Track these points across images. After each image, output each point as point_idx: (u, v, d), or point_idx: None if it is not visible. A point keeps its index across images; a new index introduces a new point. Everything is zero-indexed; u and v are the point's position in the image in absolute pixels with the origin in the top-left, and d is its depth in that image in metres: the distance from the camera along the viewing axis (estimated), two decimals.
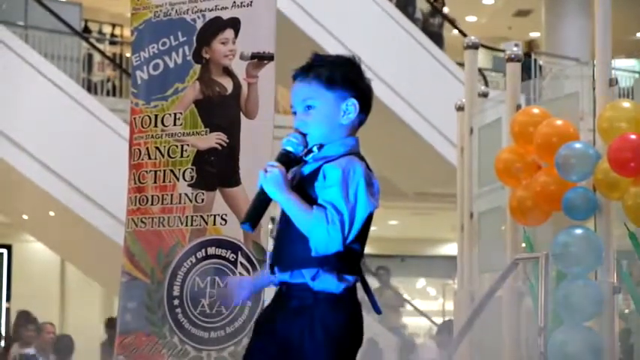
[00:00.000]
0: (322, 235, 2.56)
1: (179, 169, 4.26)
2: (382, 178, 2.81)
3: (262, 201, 2.65)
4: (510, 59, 5.19)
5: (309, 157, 2.70)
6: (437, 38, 12.56)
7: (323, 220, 2.55)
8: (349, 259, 2.65)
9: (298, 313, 2.63)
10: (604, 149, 4.24)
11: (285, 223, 2.66)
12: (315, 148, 2.69)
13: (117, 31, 15.04)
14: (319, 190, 2.62)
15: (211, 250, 4.15)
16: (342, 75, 2.71)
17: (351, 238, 2.60)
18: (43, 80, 10.18)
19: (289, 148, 2.67)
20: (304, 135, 2.69)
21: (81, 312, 14.50)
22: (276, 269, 2.70)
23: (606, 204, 4.33)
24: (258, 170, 2.66)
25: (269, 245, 2.79)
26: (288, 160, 2.67)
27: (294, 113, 2.73)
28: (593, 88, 4.53)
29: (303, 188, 2.65)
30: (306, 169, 2.69)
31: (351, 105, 2.71)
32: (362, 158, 2.68)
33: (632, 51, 18.31)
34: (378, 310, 2.77)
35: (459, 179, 5.82)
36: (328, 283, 2.63)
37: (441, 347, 8.93)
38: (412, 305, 16.92)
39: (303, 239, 2.60)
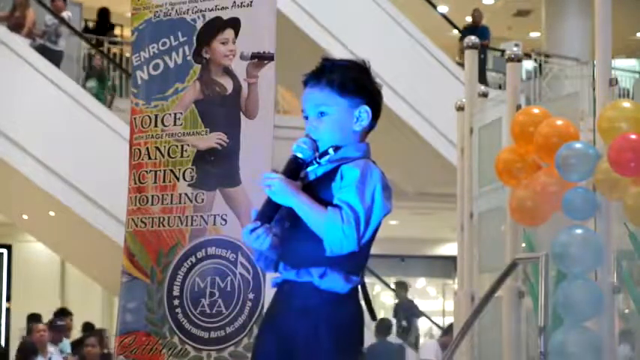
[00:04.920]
0: (337, 234, 2.55)
1: (179, 169, 4.26)
2: None
3: (273, 204, 2.65)
4: (510, 59, 5.19)
5: (323, 160, 2.70)
6: None
7: (338, 220, 2.54)
8: (358, 259, 2.65)
9: (303, 313, 2.63)
10: (604, 149, 4.24)
11: (292, 221, 2.65)
12: (330, 150, 2.69)
13: (117, 31, 15.04)
14: (336, 190, 2.62)
15: (211, 250, 4.15)
16: (355, 81, 2.71)
17: (366, 238, 2.59)
18: (43, 80, 10.18)
19: (299, 154, 2.67)
20: (314, 140, 2.69)
21: (81, 312, 14.49)
22: (281, 266, 2.70)
23: (606, 204, 4.33)
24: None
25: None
26: (297, 165, 2.67)
27: (306, 118, 2.73)
28: (593, 88, 4.52)
29: (317, 189, 2.65)
30: (321, 171, 2.69)
31: (364, 112, 2.72)
32: (374, 163, 2.69)
33: (632, 51, 18.33)
34: (373, 317, 2.77)
35: (459, 179, 5.82)
36: (335, 282, 2.63)
37: (444, 347, 8.92)
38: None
39: (312, 238, 2.59)
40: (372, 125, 2.75)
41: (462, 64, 13.36)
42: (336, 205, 2.58)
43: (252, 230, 2.65)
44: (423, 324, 17.02)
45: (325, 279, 2.62)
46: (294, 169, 2.66)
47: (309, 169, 2.70)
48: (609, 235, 4.34)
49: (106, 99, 11.95)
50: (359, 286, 2.69)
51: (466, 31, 14.20)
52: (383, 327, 9.97)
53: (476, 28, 14.35)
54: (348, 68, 2.74)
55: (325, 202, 2.60)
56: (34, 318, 10.87)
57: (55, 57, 11.12)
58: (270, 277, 2.79)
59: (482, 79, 13.10)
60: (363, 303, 2.71)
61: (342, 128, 2.70)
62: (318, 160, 2.69)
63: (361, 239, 2.57)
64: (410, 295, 15.53)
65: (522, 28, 18.74)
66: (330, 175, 2.66)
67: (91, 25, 14.73)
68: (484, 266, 5.55)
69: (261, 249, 2.68)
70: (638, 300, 4.38)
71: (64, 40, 11.76)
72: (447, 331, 9.17)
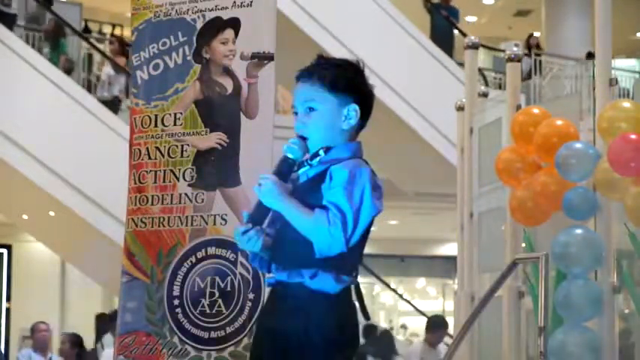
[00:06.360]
0: (324, 236, 2.55)
1: (179, 169, 4.26)
2: (382, 179, 2.81)
3: (264, 206, 2.66)
4: (510, 59, 5.19)
5: (315, 161, 2.70)
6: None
7: (324, 222, 2.55)
8: (349, 260, 2.65)
9: (294, 313, 2.64)
10: (604, 149, 4.24)
11: (283, 223, 2.66)
12: (321, 152, 2.69)
13: (117, 31, 15.05)
14: (325, 191, 2.62)
15: (211, 250, 4.15)
16: (346, 79, 2.71)
17: (354, 239, 2.60)
18: (43, 80, 10.18)
19: (290, 155, 2.68)
20: (304, 139, 2.69)
21: (81, 312, 14.49)
22: (272, 267, 2.71)
23: (606, 204, 4.33)
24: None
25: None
26: (288, 165, 2.68)
27: (296, 114, 2.74)
28: (593, 88, 4.52)
29: (308, 191, 2.65)
30: (312, 172, 2.70)
31: (353, 110, 2.71)
32: (366, 162, 2.69)
33: (632, 51, 18.34)
34: (367, 316, 2.77)
35: (459, 179, 5.82)
36: (326, 283, 2.63)
37: (432, 345, 8.86)
38: (412, 305, 16.93)
39: (302, 239, 2.59)
40: (361, 125, 2.75)
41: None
42: (324, 207, 2.58)
43: (244, 232, 2.66)
44: (419, 323, 17.03)
45: (316, 279, 2.63)
46: (285, 170, 2.67)
47: (300, 170, 2.71)
48: (609, 235, 4.34)
49: (60, 63, 11.67)
50: (351, 286, 2.69)
51: (434, 5, 13.77)
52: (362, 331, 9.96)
53: (445, 7, 13.94)
54: (342, 67, 2.75)
55: (315, 204, 2.61)
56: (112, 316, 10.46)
57: (8, 20, 10.94)
58: (268, 277, 2.80)
59: (449, 46, 12.85)
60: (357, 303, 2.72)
61: (330, 125, 2.70)
62: (309, 161, 2.70)
63: (349, 240, 2.58)
64: (410, 296, 15.47)
65: (522, 28, 18.72)
66: (320, 177, 2.66)
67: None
68: (484, 266, 5.55)
69: (253, 250, 2.69)
70: (638, 300, 4.38)
71: (16, 3, 11.59)
72: (429, 327, 9.07)
